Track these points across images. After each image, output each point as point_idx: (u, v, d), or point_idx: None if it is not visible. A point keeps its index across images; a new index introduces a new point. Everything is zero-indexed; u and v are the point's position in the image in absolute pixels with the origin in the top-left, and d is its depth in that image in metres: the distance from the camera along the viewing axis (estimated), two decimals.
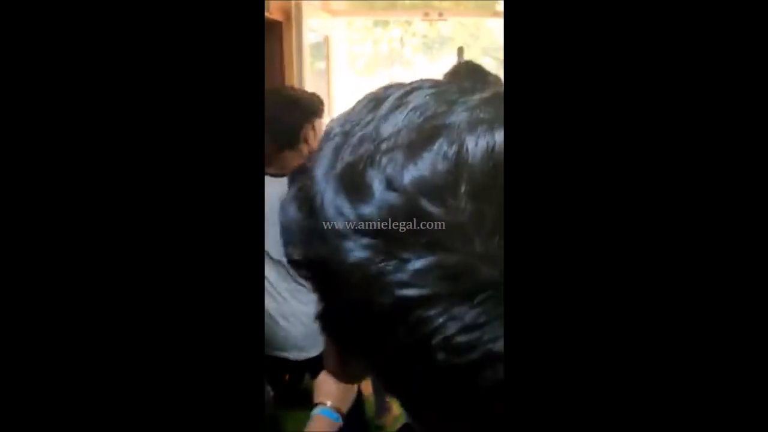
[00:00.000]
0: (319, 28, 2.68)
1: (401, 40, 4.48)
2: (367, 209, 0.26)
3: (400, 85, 0.30)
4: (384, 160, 0.26)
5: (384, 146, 0.27)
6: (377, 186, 0.26)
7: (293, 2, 2.34)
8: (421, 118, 0.27)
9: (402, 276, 0.25)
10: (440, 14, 2.78)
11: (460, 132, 0.26)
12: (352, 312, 0.27)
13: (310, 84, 2.38)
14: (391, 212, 0.25)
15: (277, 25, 2.29)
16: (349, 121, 0.29)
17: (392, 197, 0.25)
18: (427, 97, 0.28)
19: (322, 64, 2.82)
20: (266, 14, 2.16)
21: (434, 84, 0.30)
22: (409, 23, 4.18)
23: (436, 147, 0.26)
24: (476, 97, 0.28)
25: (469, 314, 0.25)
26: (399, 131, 0.27)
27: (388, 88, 0.30)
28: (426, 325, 0.25)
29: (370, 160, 0.27)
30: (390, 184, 0.26)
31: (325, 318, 0.30)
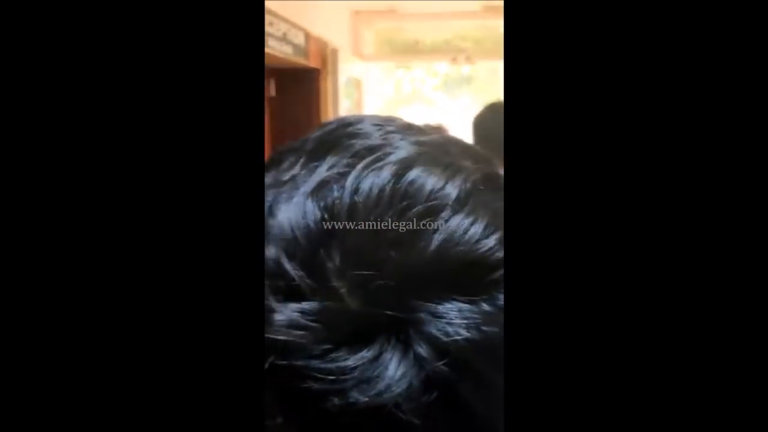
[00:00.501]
0: (351, 73, 2.82)
1: (422, 80, 4.64)
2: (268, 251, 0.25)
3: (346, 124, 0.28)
4: (275, 202, 0.25)
5: (278, 185, 0.26)
6: (269, 228, 0.25)
7: (329, 49, 2.49)
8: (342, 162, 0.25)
9: (281, 318, 0.23)
10: (468, 58, 2.90)
11: (346, 169, 0.24)
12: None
13: None
14: (268, 261, 0.24)
15: (315, 72, 2.43)
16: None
17: (271, 244, 0.24)
18: (373, 137, 0.26)
19: (349, 103, 2.95)
20: (305, 62, 2.29)
21: (388, 125, 0.28)
22: (429, 64, 4.32)
23: (312, 187, 0.24)
24: (408, 137, 0.26)
25: (337, 359, 0.23)
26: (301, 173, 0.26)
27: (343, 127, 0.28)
28: (289, 373, 0.23)
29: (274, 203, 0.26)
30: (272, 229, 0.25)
31: None
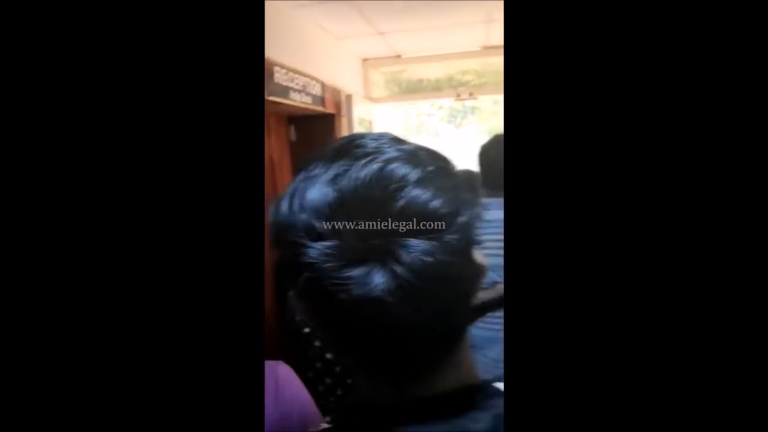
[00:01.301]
0: (362, 114, 3.00)
1: (429, 113, 4.85)
2: (301, 216, 0.37)
3: (362, 139, 0.40)
4: (298, 188, 0.38)
5: (308, 179, 0.38)
6: (295, 205, 0.37)
7: (343, 95, 2.69)
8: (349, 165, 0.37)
9: (313, 251, 0.36)
10: (471, 94, 3.09)
11: (351, 166, 0.36)
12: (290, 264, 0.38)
13: None
14: (299, 224, 0.36)
15: (331, 117, 2.63)
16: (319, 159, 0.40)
17: (298, 214, 0.37)
18: (373, 146, 0.39)
19: None
20: (322, 109, 2.49)
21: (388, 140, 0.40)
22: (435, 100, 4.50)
23: (330, 177, 0.37)
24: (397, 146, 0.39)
25: (346, 272, 0.35)
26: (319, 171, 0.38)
27: (354, 141, 0.40)
28: (320, 282, 0.35)
29: (296, 189, 0.38)
30: (300, 205, 0.37)
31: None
